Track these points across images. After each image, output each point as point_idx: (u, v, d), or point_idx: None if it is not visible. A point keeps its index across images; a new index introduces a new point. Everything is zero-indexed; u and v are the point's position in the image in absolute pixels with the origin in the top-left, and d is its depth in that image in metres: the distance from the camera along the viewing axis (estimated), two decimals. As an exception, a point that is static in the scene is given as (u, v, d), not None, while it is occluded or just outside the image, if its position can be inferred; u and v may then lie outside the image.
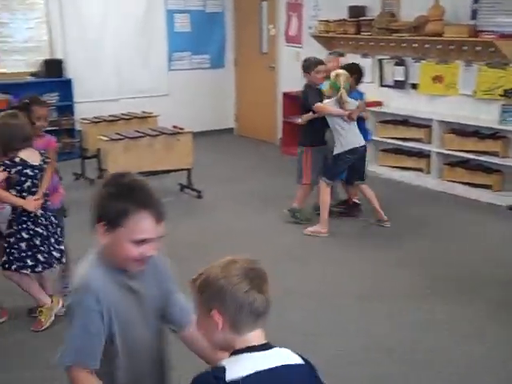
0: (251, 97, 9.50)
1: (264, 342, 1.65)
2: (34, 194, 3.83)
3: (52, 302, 3.99)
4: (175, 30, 9.23)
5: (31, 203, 3.80)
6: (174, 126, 6.88)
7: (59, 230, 4.05)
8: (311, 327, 3.98)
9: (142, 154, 6.44)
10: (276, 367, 1.59)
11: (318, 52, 7.99)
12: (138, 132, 6.67)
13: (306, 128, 5.72)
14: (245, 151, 8.86)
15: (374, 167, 7.38)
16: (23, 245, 3.81)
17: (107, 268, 1.87)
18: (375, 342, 3.82)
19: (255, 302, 1.60)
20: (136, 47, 8.90)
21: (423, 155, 7.13)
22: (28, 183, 3.81)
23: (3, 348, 3.78)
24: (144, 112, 7.82)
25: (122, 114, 7.71)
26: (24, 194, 3.82)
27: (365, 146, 5.67)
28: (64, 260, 4.07)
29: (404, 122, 7.35)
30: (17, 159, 3.76)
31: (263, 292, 1.64)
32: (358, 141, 5.57)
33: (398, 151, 7.38)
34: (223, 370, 1.54)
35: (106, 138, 6.40)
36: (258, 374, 1.55)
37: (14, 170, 3.75)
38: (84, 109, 8.21)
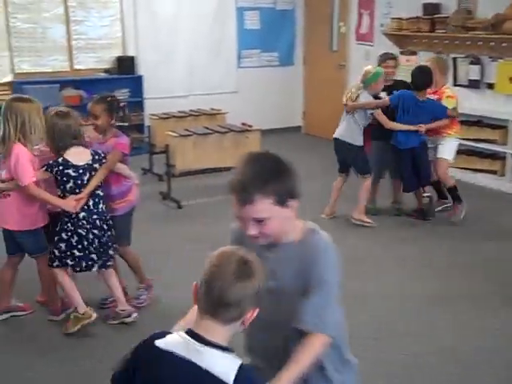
0: (320, 95, 9.41)
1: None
2: (77, 194, 3.71)
3: (84, 314, 3.83)
4: (245, 28, 9.25)
5: (70, 203, 3.69)
6: (243, 124, 6.89)
7: (108, 234, 3.87)
8: (375, 330, 3.90)
9: (210, 150, 6.47)
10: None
11: (390, 50, 7.86)
12: (207, 128, 6.71)
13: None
14: (312, 149, 8.78)
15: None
16: (63, 245, 3.74)
17: None
18: (439, 346, 3.70)
19: None
20: (206, 44, 8.96)
21: (497, 157, 6.88)
22: (70, 184, 3.71)
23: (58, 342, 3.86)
24: (212, 109, 7.86)
25: (191, 111, 7.79)
26: (67, 194, 3.72)
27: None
28: (108, 264, 3.90)
29: (477, 122, 7.11)
30: (60, 159, 3.69)
31: None
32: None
33: (470, 153, 7.14)
34: None
35: (174, 134, 6.46)
36: None
37: (54, 170, 3.68)
38: (154, 105, 8.33)
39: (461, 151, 7.20)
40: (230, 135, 6.59)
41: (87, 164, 3.75)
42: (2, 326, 4.01)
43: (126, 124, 8.28)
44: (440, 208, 6.03)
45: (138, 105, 8.57)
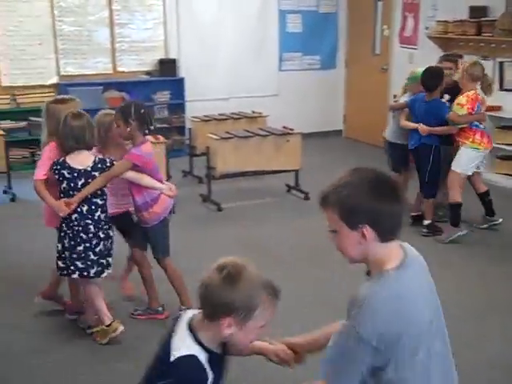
0: (361, 99, 9.32)
1: None
2: (71, 197, 3.67)
3: (110, 325, 3.79)
4: (287, 31, 9.22)
5: (61, 206, 3.64)
6: (284, 127, 6.85)
7: (105, 243, 3.79)
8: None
9: (251, 153, 6.46)
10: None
11: (434, 53, 7.74)
12: (248, 131, 6.70)
13: None
14: (353, 154, 8.69)
15: (490, 175, 7.01)
16: (59, 246, 3.76)
17: None
18: (488, 359, 3.60)
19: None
20: (248, 47, 8.96)
21: (546, 163, 6.70)
22: (64, 184, 3.67)
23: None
24: (253, 112, 7.85)
25: (232, 113, 7.78)
26: (62, 195, 3.69)
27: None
28: (103, 274, 3.82)
29: (525, 127, 6.94)
30: (60, 159, 3.69)
31: None
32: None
33: (517, 159, 6.98)
34: None
35: (215, 137, 6.46)
36: None
37: (53, 169, 3.68)
38: (195, 107, 8.36)
39: (506, 157, 7.07)
40: (271, 138, 6.57)
41: (84, 169, 3.68)
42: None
43: (166, 126, 8.38)
44: (486, 225, 5.71)
45: (179, 107, 8.62)
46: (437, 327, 1.82)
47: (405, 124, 5.65)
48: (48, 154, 3.76)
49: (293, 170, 6.70)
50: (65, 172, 3.66)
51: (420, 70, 5.62)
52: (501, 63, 7.26)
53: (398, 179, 5.59)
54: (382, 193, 1.77)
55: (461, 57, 6.23)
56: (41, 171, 3.72)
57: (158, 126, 8.19)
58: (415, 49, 8.36)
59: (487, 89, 5.53)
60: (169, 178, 6.30)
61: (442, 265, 4.95)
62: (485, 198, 5.66)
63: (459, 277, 4.74)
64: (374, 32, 9.12)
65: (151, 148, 3.98)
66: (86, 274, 3.73)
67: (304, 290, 4.46)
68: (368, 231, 1.75)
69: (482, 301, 4.34)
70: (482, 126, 5.46)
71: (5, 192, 6.65)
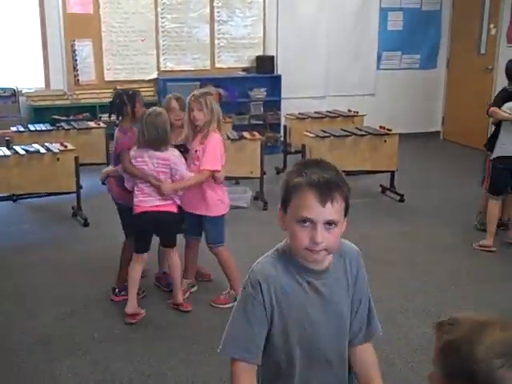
0: (462, 100, 8.98)
1: None
2: None
3: None
4: (388, 29, 9.01)
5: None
6: (381, 127, 6.69)
7: None
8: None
9: (347, 152, 6.35)
10: None
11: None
12: (344, 130, 6.59)
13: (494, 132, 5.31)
14: (451, 157, 8.40)
15: None
16: None
17: (290, 263, 1.77)
18: None
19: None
20: (346, 45, 8.83)
21: None
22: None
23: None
24: (350, 110, 7.73)
25: (328, 112, 7.70)
26: None
27: None
28: None
29: None
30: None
31: None
32: None
33: None
34: None
35: (311, 135, 6.40)
36: None
37: None
38: (290, 105, 8.32)
39: None
40: (368, 138, 6.43)
41: None
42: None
43: (261, 122, 8.40)
44: None
45: (275, 104, 8.61)
46: None
47: None
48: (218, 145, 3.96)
49: (388, 171, 6.54)
50: None
51: None
52: None
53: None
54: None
55: None
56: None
57: (254, 122, 8.28)
58: (524, 48, 7.96)
59: None
60: (263, 174, 6.30)
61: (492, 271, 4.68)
62: None
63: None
64: (480, 30, 8.75)
65: None
66: None
67: (398, 293, 4.32)
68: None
69: None
70: None
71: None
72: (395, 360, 3.52)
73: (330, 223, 1.69)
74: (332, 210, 1.68)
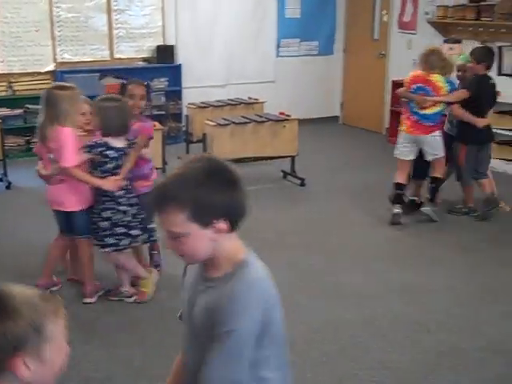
0: (359, 85, 9.27)
1: None
2: (116, 175, 3.89)
3: (146, 277, 4.13)
4: (285, 16, 9.15)
5: (110, 183, 3.86)
6: (281, 113, 6.82)
7: (143, 212, 4.03)
8: (417, 324, 3.81)
9: (248, 139, 6.44)
10: None
11: (433, 38, 7.70)
12: (244, 118, 6.67)
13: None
14: (350, 140, 8.67)
15: (488, 160, 6.99)
16: (107, 223, 3.91)
17: None
18: (489, 341, 3.61)
19: None
20: (246, 33, 8.90)
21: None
22: (109, 165, 3.87)
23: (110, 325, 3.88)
24: (250, 98, 7.81)
25: (229, 100, 7.75)
26: (106, 174, 3.88)
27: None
28: (151, 239, 4.22)
29: (524, 112, 6.91)
30: (100, 141, 3.86)
31: None
32: None
33: (515, 143, 6.96)
34: None
35: (212, 123, 6.44)
36: None
37: (96, 151, 3.85)
38: (192, 94, 8.32)
39: (504, 142, 7.05)
40: (268, 124, 6.54)
41: (123, 147, 3.92)
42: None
43: (163, 112, 8.35)
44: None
45: (176, 94, 8.58)
46: None
47: None
48: (71, 139, 3.83)
49: (289, 156, 6.68)
50: (111, 152, 3.85)
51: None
52: (500, 48, 7.20)
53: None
54: (227, 182, 1.63)
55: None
56: (73, 157, 3.80)
57: (156, 113, 8.22)
58: (414, 34, 8.30)
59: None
60: (165, 164, 6.28)
61: (429, 251, 4.95)
62: (433, 182, 5.60)
63: (452, 263, 4.73)
64: (373, 17, 9.06)
65: None
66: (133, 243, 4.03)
67: (301, 275, 4.45)
68: (222, 225, 1.61)
69: (478, 286, 4.33)
70: (415, 109, 5.41)
71: (0, 180, 6.63)
72: (297, 340, 3.64)
73: (172, 234, 1.60)
74: (167, 222, 1.59)
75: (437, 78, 5.34)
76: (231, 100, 7.74)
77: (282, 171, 6.86)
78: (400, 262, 4.70)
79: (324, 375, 3.27)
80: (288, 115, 6.72)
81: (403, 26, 8.56)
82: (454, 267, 4.62)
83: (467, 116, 5.42)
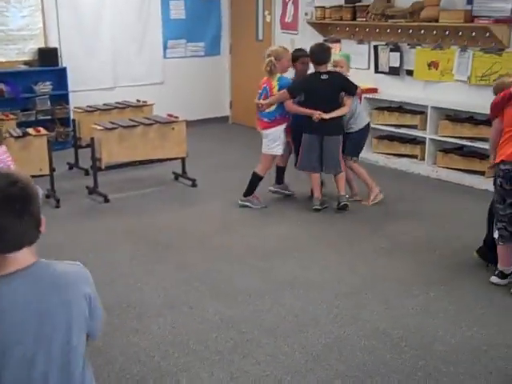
0: (247, 84, 9.45)
1: None
2: None
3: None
4: (171, 18, 9.17)
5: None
6: (169, 115, 6.86)
7: None
8: (304, 316, 3.98)
9: (137, 142, 6.43)
10: None
11: (314, 38, 7.98)
12: (133, 121, 6.64)
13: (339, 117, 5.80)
14: (240, 139, 8.83)
15: (368, 154, 7.38)
16: None
17: None
18: (374, 330, 3.82)
19: None
20: (131, 35, 8.85)
21: (418, 142, 7.12)
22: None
23: None
24: (138, 101, 7.78)
25: (117, 103, 7.68)
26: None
27: None
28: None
29: (399, 108, 7.33)
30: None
31: None
32: None
33: (392, 138, 7.36)
34: None
35: (99, 127, 6.37)
36: None
37: None
38: (80, 98, 8.16)
39: (384, 137, 7.45)
40: (156, 127, 6.55)
41: None
42: None
43: (49, 117, 8.15)
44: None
45: (62, 98, 8.37)
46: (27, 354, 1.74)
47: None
48: None
49: (179, 158, 6.73)
50: None
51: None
52: (375, 47, 7.60)
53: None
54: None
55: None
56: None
57: (41, 118, 8.00)
58: (296, 34, 8.58)
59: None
60: (53, 171, 6.16)
61: (322, 241, 5.18)
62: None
63: (338, 252, 4.97)
64: (257, 18, 9.27)
65: None
66: None
67: (193, 276, 4.53)
68: None
69: (363, 274, 4.58)
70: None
71: None
72: (190, 341, 3.71)
73: None
74: None
75: (274, 78, 5.75)
76: (119, 103, 7.67)
77: (174, 173, 6.91)
78: (287, 257, 4.88)
79: (218, 373, 3.36)
80: (176, 117, 6.76)
81: (285, 27, 8.82)
82: (337, 259, 4.85)
83: (300, 110, 5.67)
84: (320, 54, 5.66)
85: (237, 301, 4.15)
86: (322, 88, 5.59)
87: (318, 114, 5.55)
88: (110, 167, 6.42)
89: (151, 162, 6.63)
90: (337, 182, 5.83)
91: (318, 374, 3.35)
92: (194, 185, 6.64)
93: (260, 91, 5.89)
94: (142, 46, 8.98)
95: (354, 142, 5.88)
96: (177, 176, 6.88)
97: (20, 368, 1.74)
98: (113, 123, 6.50)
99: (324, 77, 5.61)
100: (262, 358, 3.49)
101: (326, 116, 5.55)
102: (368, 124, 6.03)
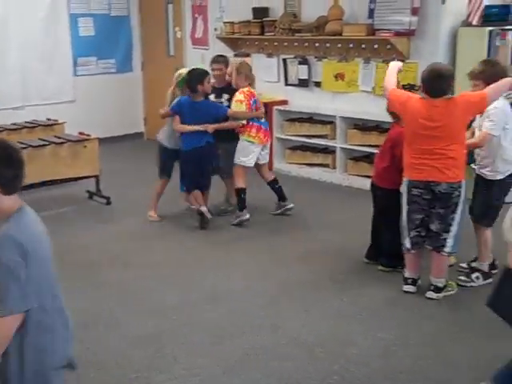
0: (160, 100, 9.38)
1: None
2: None
3: None
4: (80, 35, 9.05)
5: None
6: (80, 133, 6.77)
7: None
8: (222, 328, 4.02)
9: (47, 162, 6.31)
10: None
11: (224, 53, 8.07)
12: (43, 140, 6.52)
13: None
14: (155, 155, 8.77)
15: (282, 165, 7.55)
16: None
17: None
18: (287, 336, 3.90)
19: None
20: (40, 53, 8.65)
21: (329, 151, 7.32)
22: None
23: None
24: (49, 119, 7.63)
25: (26, 122, 7.49)
26: None
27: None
28: None
29: (309, 119, 7.53)
30: None
31: None
32: None
33: (304, 148, 7.54)
34: None
35: (7, 148, 6.19)
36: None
37: None
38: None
39: (296, 147, 7.62)
40: (67, 146, 6.46)
41: None
42: None
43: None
44: (279, 211, 6.08)
45: (-30, 118, 8.09)
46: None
47: (181, 128, 5.69)
48: None
49: (93, 176, 6.65)
50: None
51: (184, 71, 5.89)
52: (284, 60, 7.78)
53: (164, 183, 5.99)
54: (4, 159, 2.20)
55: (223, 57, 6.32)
56: None
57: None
58: (207, 49, 8.65)
59: (252, 85, 5.92)
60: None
61: (239, 251, 5.25)
62: (274, 185, 6.06)
63: (253, 261, 5.05)
64: (167, 34, 9.30)
65: None
66: None
67: (109, 294, 4.48)
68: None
69: (278, 281, 4.66)
70: (260, 121, 5.83)
71: None
72: (109, 360, 3.68)
73: None
74: None
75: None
76: (28, 122, 7.49)
77: (87, 191, 6.81)
78: (205, 269, 4.92)
79: (135, 390, 3.35)
80: (88, 135, 6.68)
81: (196, 42, 8.89)
82: (252, 269, 4.92)
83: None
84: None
85: (154, 316, 4.15)
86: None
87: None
88: (21, 188, 6.23)
89: (64, 181, 6.51)
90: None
91: (235, 386, 3.40)
92: (108, 203, 6.57)
93: (253, 101, 5.79)
94: (52, 64, 8.81)
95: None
96: (91, 194, 6.79)
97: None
98: (22, 143, 6.34)
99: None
100: (179, 372, 3.50)
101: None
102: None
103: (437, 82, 4.12)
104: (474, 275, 4.56)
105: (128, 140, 9.46)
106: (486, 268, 4.58)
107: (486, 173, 4.44)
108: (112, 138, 8.89)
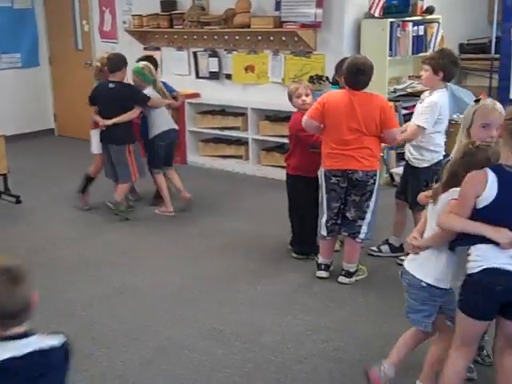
0: (70, 95, 9.23)
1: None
2: None
3: None
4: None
5: None
6: (-16, 130, 6.54)
7: None
8: (135, 323, 4.02)
9: (-50, 163, 6.07)
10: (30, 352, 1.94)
11: (134, 46, 8.01)
12: None
13: (127, 126, 5.80)
14: (66, 151, 8.61)
15: (195, 158, 7.57)
16: None
17: None
18: (204, 328, 3.93)
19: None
20: None
21: (242, 142, 7.40)
22: None
23: None
24: (-50, 119, 7.33)
25: None
26: None
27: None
28: None
29: (221, 111, 7.57)
30: None
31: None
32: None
33: (217, 140, 7.58)
34: None
35: None
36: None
37: None
38: None
39: (209, 140, 7.66)
40: (-29, 145, 6.23)
41: None
42: None
43: None
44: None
45: None
46: None
47: (160, 101, 5.92)
48: None
49: (0, 175, 6.45)
50: None
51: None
52: (194, 53, 7.78)
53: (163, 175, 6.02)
54: None
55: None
56: None
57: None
58: (116, 43, 8.52)
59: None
60: None
61: (152, 246, 5.24)
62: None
63: (167, 255, 5.06)
64: (75, 28, 9.09)
65: None
66: None
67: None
68: None
69: (193, 274, 4.70)
70: None
71: None
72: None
73: None
74: None
75: None
76: None
77: (-5, 191, 6.61)
78: (115, 264, 4.89)
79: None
80: (-6, 132, 6.47)
81: (105, 36, 8.73)
82: (166, 263, 4.94)
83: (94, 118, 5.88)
84: (114, 63, 5.75)
85: (65, 315, 4.09)
86: (105, 96, 5.73)
87: (101, 122, 5.72)
88: None
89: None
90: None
91: (153, 380, 3.41)
92: (18, 201, 6.39)
93: None
94: (-49, 60, 8.44)
95: (150, 153, 5.98)
96: (-1, 194, 6.59)
97: None
98: None
99: (111, 85, 5.71)
100: (94, 371, 3.48)
101: (108, 122, 5.68)
102: (166, 131, 5.92)
103: (359, 76, 4.25)
104: (383, 247, 4.85)
105: (38, 137, 9.21)
106: (397, 244, 4.82)
107: (413, 160, 4.63)
108: (21, 135, 8.64)
